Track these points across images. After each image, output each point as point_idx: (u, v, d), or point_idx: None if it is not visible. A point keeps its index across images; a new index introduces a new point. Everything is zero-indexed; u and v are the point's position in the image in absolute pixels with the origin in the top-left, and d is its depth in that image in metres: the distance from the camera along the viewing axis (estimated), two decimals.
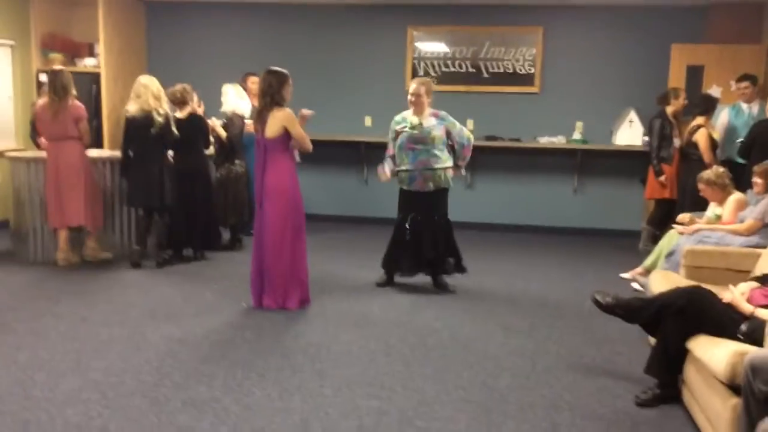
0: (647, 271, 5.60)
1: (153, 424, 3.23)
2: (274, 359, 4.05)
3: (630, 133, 7.61)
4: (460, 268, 5.62)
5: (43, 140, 6.16)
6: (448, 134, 5.43)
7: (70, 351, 4.09)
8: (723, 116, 6.81)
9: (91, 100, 7.82)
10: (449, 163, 5.45)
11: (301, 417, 3.34)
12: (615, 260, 6.65)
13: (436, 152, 5.35)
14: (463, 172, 5.67)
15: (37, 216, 6.14)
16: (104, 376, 3.74)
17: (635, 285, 5.74)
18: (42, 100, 6.01)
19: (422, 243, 5.46)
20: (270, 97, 4.80)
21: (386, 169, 5.51)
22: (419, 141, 5.34)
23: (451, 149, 5.48)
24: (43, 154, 6.05)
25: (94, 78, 7.95)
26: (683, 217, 5.50)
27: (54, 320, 4.63)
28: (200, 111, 6.42)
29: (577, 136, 7.94)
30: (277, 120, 4.76)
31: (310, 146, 4.92)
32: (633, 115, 7.58)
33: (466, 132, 5.53)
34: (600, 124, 7.91)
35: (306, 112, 5.01)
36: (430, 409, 3.47)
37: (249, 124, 6.71)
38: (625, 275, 6.05)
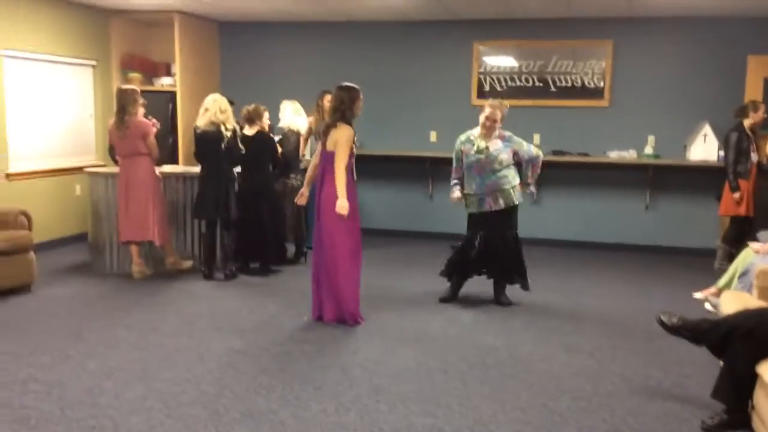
0: (721, 292, 5.37)
1: None
2: (332, 373, 4.08)
3: (704, 148, 7.35)
4: (524, 285, 5.54)
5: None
6: (515, 154, 5.39)
7: (138, 360, 4.24)
8: None
9: (168, 117, 8.13)
10: (516, 180, 5.41)
11: None
12: (688, 279, 6.42)
13: (504, 173, 5.33)
14: (532, 188, 5.58)
15: (114, 229, 6.40)
16: (168, 386, 3.86)
17: (708, 306, 5.52)
18: (112, 119, 6.27)
19: (489, 260, 5.43)
20: (341, 112, 4.88)
21: (456, 193, 5.50)
22: (486, 165, 5.32)
23: (518, 166, 5.43)
24: (117, 170, 6.31)
25: (171, 96, 8.27)
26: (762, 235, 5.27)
27: (125, 330, 4.81)
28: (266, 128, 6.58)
29: (648, 150, 7.72)
30: (337, 134, 4.83)
31: (339, 166, 4.76)
32: (707, 129, 7.32)
33: (534, 149, 5.47)
34: (673, 138, 7.67)
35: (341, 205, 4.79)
36: (486, 428, 3.42)
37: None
38: (698, 295, 5.83)
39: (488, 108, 5.36)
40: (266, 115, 6.51)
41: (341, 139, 4.81)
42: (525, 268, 5.56)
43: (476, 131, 5.43)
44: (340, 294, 4.97)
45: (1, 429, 3.33)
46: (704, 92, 7.59)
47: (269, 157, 6.39)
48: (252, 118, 6.35)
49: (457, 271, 5.61)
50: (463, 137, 5.50)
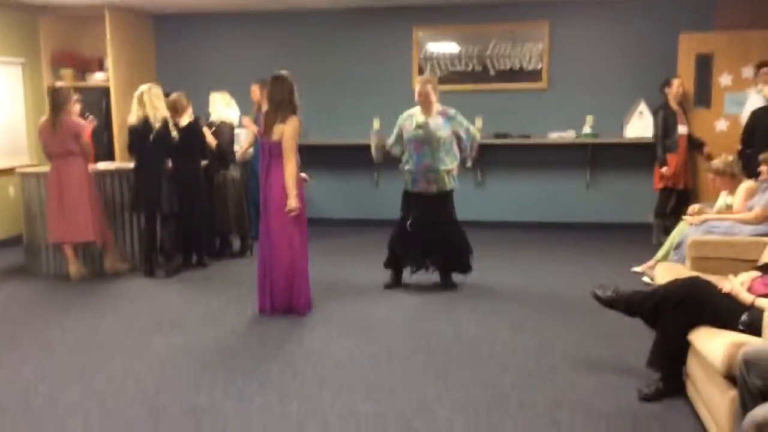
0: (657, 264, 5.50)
1: None
2: (276, 365, 4.04)
3: (641, 125, 7.50)
4: (463, 269, 5.57)
5: None
6: (456, 133, 5.39)
7: (74, 362, 4.13)
8: (752, 103, 6.58)
9: (102, 113, 7.93)
10: (454, 164, 5.40)
11: (298, 422, 3.33)
12: (629, 255, 6.55)
13: (441, 154, 5.32)
14: (468, 164, 5.59)
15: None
16: (106, 386, 3.76)
17: (645, 279, 5.65)
18: (43, 118, 6.08)
19: (426, 244, 5.42)
20: (282, 103, 4.81)
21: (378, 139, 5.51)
22: (425, 142, 5.30)
23: (459, 147, 5.44)
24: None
25: (105, 92, 8.06)
26: (693, 208, 5.40)
27: (61, 332, 4.68)
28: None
29: (587, 130, 7.84)
30: (283, 126, 4.76)
31: (290, 161, 4.75)
32: (643, 107, 7.47)
33: (472, 130, 5.47)
34: (610, 117, 7.80)
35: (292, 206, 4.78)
36: (429, 410, 3.44)
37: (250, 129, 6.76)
38: (637, 269, 5.96)
39: (418, 84, 5.38)
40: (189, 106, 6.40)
41: (289, 131, 4.74)
42: (469, 253, 5.57)
43: (417, 109, 5.42)
44: (292, 284, 4.92)
45: None
46: (639, 70, 7.74)
47: (198, 147, 6.28)
48: (180, 108, 6.22)
49: (399, 260, 5.60)
50: (405, 114, 5.49)
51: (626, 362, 4.00)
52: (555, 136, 7.85)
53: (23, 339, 4.56)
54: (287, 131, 4.74)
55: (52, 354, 4.28)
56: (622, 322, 4.16)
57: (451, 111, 5.40)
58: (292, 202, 4.73)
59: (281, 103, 4.81)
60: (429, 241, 5.44)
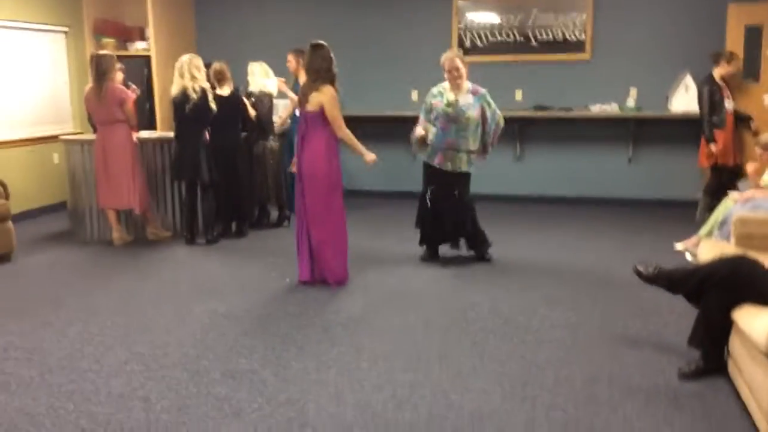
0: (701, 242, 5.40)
1: (192, 394, 3.32)
2: (314, 333, 4.09)
3: (686, 99, 7.30)
4: (481, 254, 5.57)
5: None
6: (483, 113, 5.32)
7: (118, 326, 4.24)
8: None
9: (143, 82, 8.01)
10: (475, 146, 5.34)
11: (335, 389, 3.37)
12: (671, 231, 6.43)
13: (466, 134, 5.27)
14: (486, 158, 5.53)
15: (93, 197, 6.34)
16: (149, 349, 3.86)
17: (688, 256, 5.55)
18: (88, 86, 6.17)
19: (446, 218, 5.41)
20: (319, 71, 4.79)
21: (419, 130, 5.37)
22: (452, 120, 5.24)
23: (482, 130, 5.37)
24: (95, 137, 6.23)
25: (146, 61, 8.14)
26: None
27: (105, 296, 4.80)
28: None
29: (630, 103, 7.68)
30: (320, 94, 4.76)
31: (342, 130, 4.86)
32: (689, 80, 7.27)
33: (498, 115, 5.40)
34: (654, 90, 7.62)
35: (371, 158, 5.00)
36: (464, 382, 3.45)
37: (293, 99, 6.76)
38: (679, 246, 5.85)
39: (446, 61, 5.25)
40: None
41: (327, 99, 4.74)
42: (482, 237, 5.54)
43: (447, 85, 5.36)
44: (327, 254, 4.94)
45: None
46: (685, 42, 7.52)
47: (240, 117, 6.32)
48: (222, 78, 6.26)
49: (429, 238, 5.59)
50: (435, 90, 5.41)
51: (667, 339, 3.95)
52: (597, 109, 7.71)
53: (69, 301, 4.69)
54: (325, 101, 4.74)
55: (97, 317, 4.39)
56: (664, 299, 4.12)
57: (482, 90, 5.34)
58: (369, 156, 4.98)
59: (318, 72, 4.80)
60: (447, 219, 5.41)
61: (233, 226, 6.53)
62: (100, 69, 5.95)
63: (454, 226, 5.45)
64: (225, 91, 6.25)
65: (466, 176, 5.42)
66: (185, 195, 6.29)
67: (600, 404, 3.20)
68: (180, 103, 5.97)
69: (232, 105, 6.23)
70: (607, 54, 7.78)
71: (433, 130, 5.33)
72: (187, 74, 5.94)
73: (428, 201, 5.42)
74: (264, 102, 6.62)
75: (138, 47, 8.26)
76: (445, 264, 5.56)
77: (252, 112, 6.48)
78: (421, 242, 5.66)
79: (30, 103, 7.43)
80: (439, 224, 5.46)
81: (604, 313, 4.41)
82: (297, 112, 5.62)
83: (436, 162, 5.35)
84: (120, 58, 6.44)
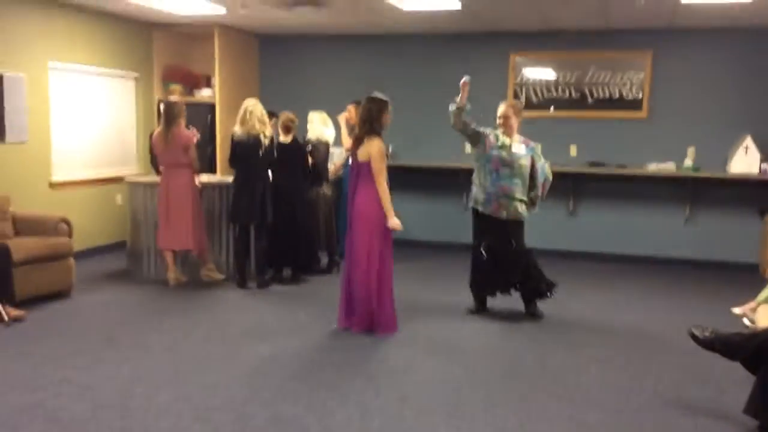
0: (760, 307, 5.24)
1: None
2: (359, 381, 4.09)
3: (745, 161, 7.19)
4: (545, 294, 5.48)
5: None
6: (532, 165, 5.34)
7: (169, 365, 4.31)
8: None
9: (207, 128, 8.28)
10: (525, 196, 5.35)
11: None
12: (727, 295, 6.26)
13: (518, 181, 5.28)
14: (538, 201, 5.50)
15: (151, 237, 6.54)
16: (198, 391, 3.91)
17: (746, 321, 5.38)
18: (157, 130, 6.42)
19: (503, 267, 5.37)
20: (369, 124, 4.91)
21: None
22: (506, 164, 5.27)
23: (530, 178, 5.37)
24: (158, 179, 6.45)
25: (210, 108, 8.43)
26: None
27: (158, 336, 4.90)
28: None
29: (688, 163, 7.58)
30: (368, 146, 4.86)
31: (381, 185, 4.85)
32: (749, 141, 7.17)
33: (547, 168, 5.42)
34: (713, 150, 7.52)
35: (394, 224, 4.91)
36: None
37: (344, 150, 6.91)
38: (737, 311, 5.68)
39: (502, 106, 5.35)
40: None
41: (374, 152, 4.83)
42: (546, 280, 5.46)
43: (500, 131, 5.39)
44: (375, 303, 4.96)
45: (35, 427, 3.42)
46: (745, 104, 7.44)
47: (301, 165, 6.47)
48: (289, 127, 6.46)
49: (482, 288, 5.57)
50: (489, 129, 5.41)
51: (723, 407, 3.81)
52: (653, 168, 7.62)
53: (122, 339, 4.80)
54: (372, 152, 4.83)
55: (149, 356, 4.48)
56: (718, 365, 4.00)
57: (532, 143, 5.39)
58: (393, 221, 4.85)
59: (366, 123, 4.91)
60: (505, 267, 5.38)
61: (287, 271, 6.60)
62: (170, 114, 6.20)
63: (513, 273, 5.40)
64: (288, 138, 6.43)
65: (521, 225, 5.41)
66: (237, 237, 6.40)
67: None
68: (247, 146, 6.11)
69: (294, 152, 6.39)
70: (664, 113, 7.73)
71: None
72: (255, 119, 6.12)
73: (483, 253, 5.40)
74: (320, 150, 6.78)
75: (204, 94, 8.58)
76: (493, 317, 5.51)
77: (309, 160, 6.64)
78: (474, 292, 5.62)
79: (98, 145, 7.74)
80: (496, 274, 5.42)
81: (658, 376, 4.29)
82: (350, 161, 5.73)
83: (490, 211, 5.34)
84: (186, 104, 6.70)
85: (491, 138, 5.35)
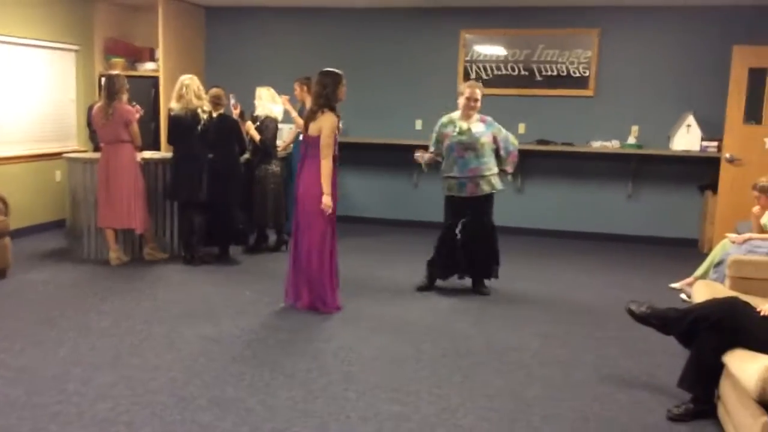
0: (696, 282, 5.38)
1: (176, 421, 3.29)
2: (304, 361, 4.07)
3: (687, 138, 7.35)
4: (495, 274, 5.57)
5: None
6: (495, 140, 5.38)
7: (109, 347, 4.22)
8: None
9: (150, 103, 8.07)
10: (496, 169, 5.40)
11: (321, 420, 3.34)
12: (668, 270, 6.43)
13: (486, 159, 5.32)
14: (509, 178, 5.59)
15: (92, 216, 6.35)
16: (137, 373, 3.84)
17: (683, 296, 5.53)
18: (97, 104, 6.22)
19: (471, 248, 5.42)
20: (325, 98, 4.83)
21: (424, 154, 5.50)
22: (469, 147, 5.30)
23: (496, 154, 5.42)
24: (98, 155, 6.27)
25: (154, 81, 8.21)
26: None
27: (98, 317, 4.79)
28: (236, 113, 6.54)
29: (632, 140, 7.71)
30: (321, 120, 4.80)
31: (325, 158, 4.76)
32: (691, 119, 7.32)
33: (512, 138, 5.48)
34: (656, 128, 7.66)
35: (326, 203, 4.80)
36: (452, 416, 3.42)
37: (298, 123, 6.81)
38: (675, 285, 5.84)
39: (468, 88, 5.36)
40: (233, 99, 6.62)
41: (326, 126, 4.76)
42: (499, 255, 5.56)
43: (457, 114, 5.41)
44: (317, 281, 4.95)
45: None
46: (689, 82, 7.58)
47: (235, 140, 6.35)
48: (216, 104, 6.32)
49: (440, 270, 5.59)
50: (444, 119, 5.47)
51: (657, 380, 3.92)
52: (598, 145, 7.73)
53: (60, 321, 4.68)
54: (324, 126, 4.77)
55: (88, 337, 4.38)
56: (656, 339, 4.09)
57: (489, 119, 5.44)
58: (327, 200, 4.76)
59: (319, 98, 4.84)
60: (473, 245, 5.42)
61: (222, 247, 6.52)
62: (112, 89, 6.00)
63: (480, 252, 5.46)
64: (216, 113, 6.31)
65: (493, 196, 5.45)
66: (180, 215, 6.31)
67: None
68: (185, 121, 6.00)
69: (224, 127, 6.27)
70: (610, 91, 7.83)
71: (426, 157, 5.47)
72: (192, 94, 5.99)
73: (458, 234, 5.43)
74: (269, 126, 6.67)
75: (147, 68, 8.35)
76: (441, 294, 5.55)
77: (256, 136, 6.53)
78: (431, 267, 5.63)
79: (36, 120, 7.48)
80: (460, 256, 5.46)
81: (597, 350, 4.39)
82: (300, 137, 5.66)
83: (467, 193, 5.36)
84: (128, 77, 6.50)
85: (448, 130, 5.38)
